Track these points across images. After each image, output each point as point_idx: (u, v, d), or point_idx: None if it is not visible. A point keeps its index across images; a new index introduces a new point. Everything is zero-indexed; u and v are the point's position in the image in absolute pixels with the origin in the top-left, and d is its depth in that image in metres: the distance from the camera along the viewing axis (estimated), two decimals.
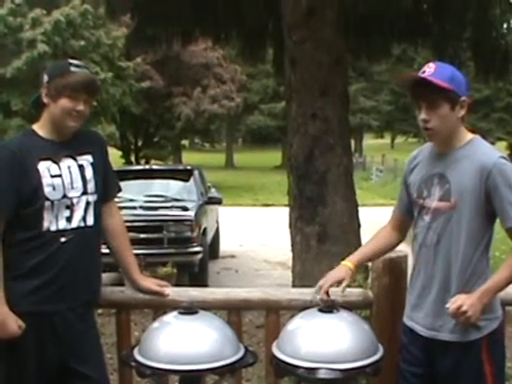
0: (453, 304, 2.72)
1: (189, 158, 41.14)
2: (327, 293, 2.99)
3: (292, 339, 2.79)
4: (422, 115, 2.83)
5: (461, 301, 2.71)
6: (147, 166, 18.72)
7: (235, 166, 49.39)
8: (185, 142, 51.62)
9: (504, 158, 2.82)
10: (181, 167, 15.97)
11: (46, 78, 3.04)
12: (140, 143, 33.15)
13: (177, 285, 6.28)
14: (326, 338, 2.72)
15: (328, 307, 2.86)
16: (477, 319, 2.75)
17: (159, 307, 3.29)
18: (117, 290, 3.45)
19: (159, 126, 32.53)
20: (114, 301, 3.40)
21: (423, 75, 2.80)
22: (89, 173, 3.12)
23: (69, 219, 3.02)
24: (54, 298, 2.98)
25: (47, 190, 2.96)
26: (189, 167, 13.21)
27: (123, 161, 31.41)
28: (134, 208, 10.32)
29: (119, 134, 29.54)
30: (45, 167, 2.98)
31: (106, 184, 3.23)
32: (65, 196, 3.01)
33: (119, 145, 31.34)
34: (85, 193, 3.08)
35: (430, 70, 2.81)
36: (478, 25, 8.72)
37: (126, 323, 3.46)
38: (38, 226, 2.95)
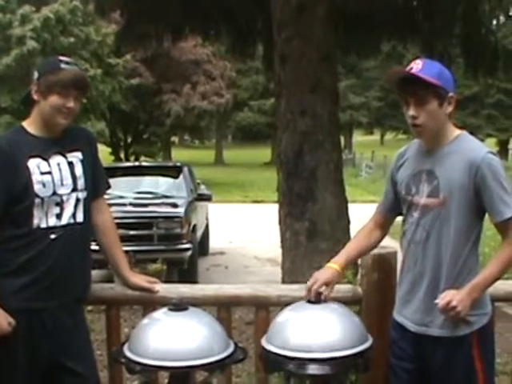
0: (442, 299, 2.73)
1: (178, 155, 41.16)
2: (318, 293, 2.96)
3: (281, 331, 2.79)
4: (411, 112, 2.82)
5: (450, 296, 2.72)
6: (137, 163, 18.65)
7: (225, 162, 49.37)
8: (174, 139, 51.65)
9: (492, 152, 2.82)
10: (170, 164, 15.94)
11: (36, 74, 3.03)
12: (129, 140, 33.14)
13: (166, 281, 6.28)
14: (315, 328, 2.73)
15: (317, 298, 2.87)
16: (466, 314, 2.76)
17: (149, 304, 3.28)
18: (107, 287, 3.45)
19: (149, 123, 32.51)
20: (103, 297, 3.40)
21: (411, 71, 2.81)
22: (78, 170, 3.11)
23: (59, 216, 3.02)
24: (44, 294, 2.98)
25: (37, 187, 2.95)
26: (178, 164, 13.21)
27: (113, 158, 31.40)
28: (124, 205, 10.29)
29: (109, 131, 29.47)
30: (34, 164, 2.97)
31: (96, 181, 3.22)
32: (55, 193, 3.00)
33: (109, 142, 31.31)
34: (75, 190, 3.08)
35: (417, 66, 2.81)
36: (467, 21, 8.72)
37: (116, 320, 3.46)
38: (27, 223, 2.95)
